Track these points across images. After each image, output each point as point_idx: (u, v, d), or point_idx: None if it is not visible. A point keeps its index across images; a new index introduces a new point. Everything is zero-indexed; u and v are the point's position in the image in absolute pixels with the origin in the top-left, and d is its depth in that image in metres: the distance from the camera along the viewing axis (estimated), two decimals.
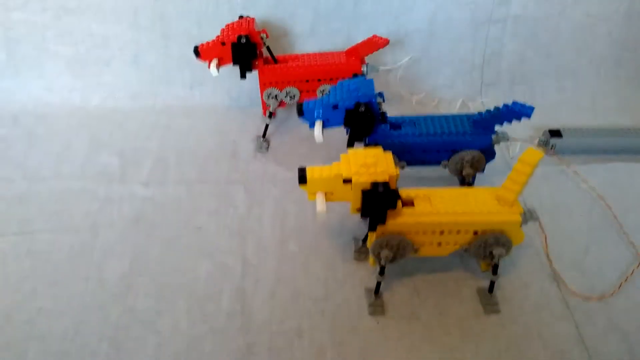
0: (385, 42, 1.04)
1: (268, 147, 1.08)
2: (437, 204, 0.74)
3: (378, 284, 0.79)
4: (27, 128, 1.14)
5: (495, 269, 0.77)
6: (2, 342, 0.75)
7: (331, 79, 1.04)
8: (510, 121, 0.86)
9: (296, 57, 1.06)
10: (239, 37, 0.98)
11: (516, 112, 0.84)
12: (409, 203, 0.75)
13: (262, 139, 1.08)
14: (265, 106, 1.07)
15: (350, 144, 0.88)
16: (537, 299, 0.80)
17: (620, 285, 0.81)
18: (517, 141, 0.97)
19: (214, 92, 1.20)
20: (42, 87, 1.19)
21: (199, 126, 1.14)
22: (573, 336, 0.75)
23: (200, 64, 1.08)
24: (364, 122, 0.85)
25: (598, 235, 0.90)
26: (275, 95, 1.05)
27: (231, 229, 0.92)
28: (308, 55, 1.07)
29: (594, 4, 1.14)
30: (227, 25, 1.01)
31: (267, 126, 1.08)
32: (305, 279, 0.83)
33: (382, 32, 1.15)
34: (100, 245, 0.89)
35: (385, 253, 0.75)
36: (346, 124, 0.86)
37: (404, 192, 0.76)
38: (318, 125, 0.86)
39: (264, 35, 1.01)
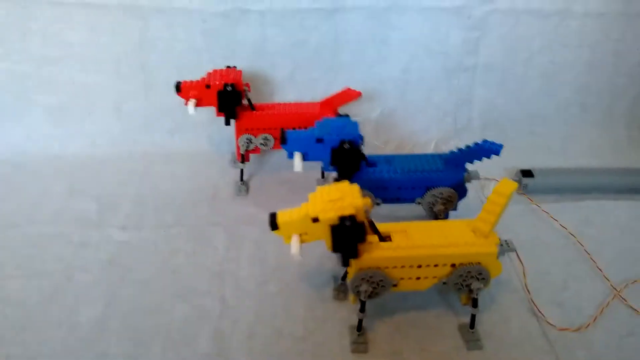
0: (358, 95, 1.10)
1: (248, 190, 1.09)
2: (413, 237, 0.74)
3: (360, 321, 0.77)
4: (3, 176, 1.13)
5: (475, 303, 0.77)
6: None
7: (305, 128, 1.06)
8: (480, 159, 0.88)
9: (272, 106, 1.09)
10: (226, 85, 1.00)
11: (486, 149, 0.86)
12: (387, 238, 0.75)
13: (240, 182, 1.09)
14: (239, 152, 1.09)
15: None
16: (518, 333, 0.80)
17: (596, 318, 0.81)
18: (490, 180, 1.00)
19: (194, 138, 1.22)
20: (21, 135, 1.19)
21: (178, 172, 1.15)
22: None
23: (180, 110, 1.10)
24: (350, 159, 0.86)
25: (574, 270, 0.91)
26: (250, 141, 1.07)
27: (210, 271, 0.90)
28: (284, 104, 1.10)
29: (558, 52, 1.20)
30: (215, 71, 1.04)
31: (242, 170, 1.10)
32: (285, 319, 0.82)
33: (358, 80, 1.20)
34: (73, 289, 0.86)
35: (364, 287, 0.74)
36: (333, 163, 0.88)
37: (381, 227, 0.76)
38: (298, 156, 0.87)
39: (247, 88, 1.04)
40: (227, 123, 1.06)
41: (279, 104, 1.11)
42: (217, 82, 1.01)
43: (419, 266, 0.74)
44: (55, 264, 0.91)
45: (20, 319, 0.81)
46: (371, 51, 1.18)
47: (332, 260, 0.91)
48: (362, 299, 0.75)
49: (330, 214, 0.68)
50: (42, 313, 0.82)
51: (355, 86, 1.15)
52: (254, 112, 1.06)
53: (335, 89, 1.13)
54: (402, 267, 0.74)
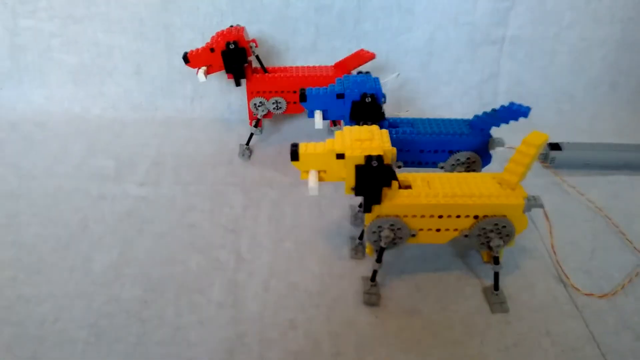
0: (372, 56, 1.05)
1: (250, 155, 1.08)
2: (436, 187, 0.72)
3: (375, 272, 0.75)
4: (24, 133, 1.13)
5: (496, 260, 0.74)
6: None
7: None
8: (507, 121, 0.85)
9: (285, 69, 1.07)
10: (227, 44, 0.98)
11: (513, 111, 0.83)
12: (407, 186, 0.73)
13: (245, 146, 1.08)
14: (251, 115, 1.07)
15: None
16: (543, 298, 0.76)
17: (624, 286, 0.78)
18: (514, 148, 0.97)
19: (214, 105, 1.21)
20: (43, 96, 1.20)
21: (197, 136, 1.14)
22: (583, 334, 0.71)
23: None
24: (371, 113, 0.84)
25: (602, 241, 0.87)
26: (262, 104, 1.05)
27: (225, 227, 0.89)
28: (297, 67, 1.08)
29: (588, 28, 1.17)
30: (217, 33, 1.02)
31: (251, 135, 1.08)
32: (301, 274, 0.80)
33: (381, 50, 1.18)
34: (88, 238, 0.86)
35: (386, 233, 0.71)
36: (352, 117, 0.85)
37: (401, 176, 0.74)
38: (318, 114, 0.85)
39: (253, 45, 1.02)
40: (238, 83, 1.03)
41: (292, 67, 1.08)
42: (220, 42, 0.98)
43: (440, 216, 0.71)
44: (71, 214, 0.90)
45: (34, 262, 0.81)
46: (395, 20, 1.16)
47: (349, 224, 0.89)
48: (382, 245, 0.72)
49: (357, 152, 0.66)
50: (56, 258, 0.82)
51: (378, 56, 1.13)
52: (265, 74, 1.04)
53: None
54: (422, 216, 0.71)
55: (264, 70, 1.05)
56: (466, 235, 0.73)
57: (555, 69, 1.21)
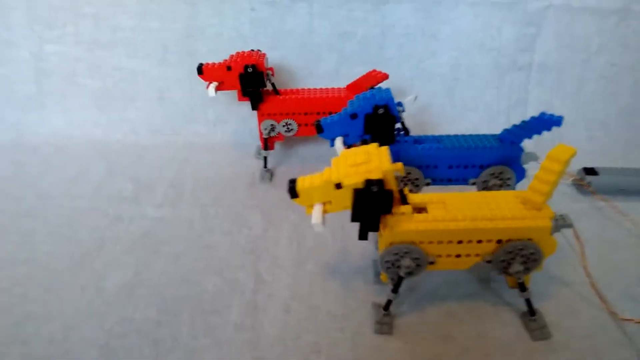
0: (384, 77, 1.02)
1: (272, 178, 1.05)
2: (453, 209, 0.66)
3: (389, 302, 0.69)
4: (45, 157, 1.12)
5: (522, 287, 0.68)
6: None
7: (330, 112, 1.02)
8: (540, 132, 0.81)
9: (297, 91, 1.05)
10: (246, 67, 0.97)
11: (545, 120, 0.78)
12: (422, 209, 0.67)
13: (264, 169, 1.05)
14: (262, 138, 1.05)
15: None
16: (588, 324, 0.70)
17: None
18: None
19: (236, 130, 1.20)
20: (65, 120, 1.20)
21: (218, 160, 1.12)
22: None
23: (225, 101, 1.09)
24: (384, 125, 0.81)
25: None
26: (273, 127, 1.03)
27: (244, 248, 0.85)
28: (309, 90, 1.06)
29: (618, 53, 1.14)
30: (237, 53, 1.01)
31: (265, 158, 1.06)
32: (323, 297, 0.75)
33: (405, 77, 1.17)
34: (103, 257, 0.82)
35: (406, 262, 0.66)
36: (366, 131, 0.82)
37: (415, 197, 0.68)
38: (339, 141, 0.82)
39: (270, 72, 1.01)
40: (255, 107, 1.01)
41: (304, 89, 1.06)
42: (239, 63, 0.97)
43: (460, 242, 0.65)
44: (87, 233, 0.88)
45: (46, 280, 0.77)
46: (419, 46, 1.15)
47: (374, 245, 0.84)
48: (401, 274, 0.66)
49: (355, 179, 0.60)
50: (68, 277, 0.78)
51: (401, 83, 1.12)
52: (276, 96, 1.02)
53: (381, 84, 1.10)
54: (440, 242, 0.65)
55: (276, 92, 1.03)
56: (489, 261, 0.67)
57: (585, 95, 1.18)
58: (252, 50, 1.04)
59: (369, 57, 1.16)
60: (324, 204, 0.63)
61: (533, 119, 0.80)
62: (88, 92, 1.19)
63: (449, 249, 0.66)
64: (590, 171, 1.01)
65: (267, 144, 1.05)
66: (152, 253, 0.83)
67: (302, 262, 0.82)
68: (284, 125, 1.03)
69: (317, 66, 1.16)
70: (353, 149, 0.65)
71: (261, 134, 1.05)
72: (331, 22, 1.13)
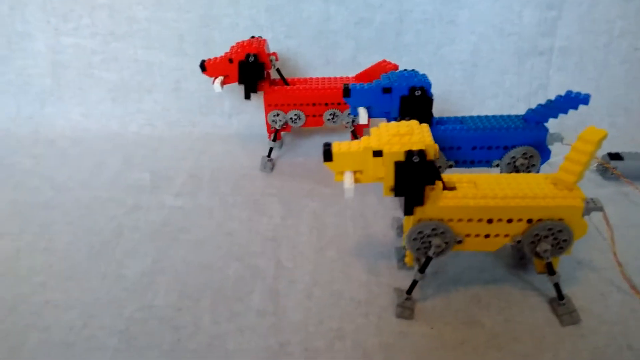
0: (394, 68, 1.00)
1: (273, 168, 1.04)
2: (483, 188, 0.65)
3: (414, 283, 0.68)
4: (61, 149, 1.12)
5: (550, 270, 0.66)
6: (1, 332, 0.66)
7: (339, 104, 1.00)
8: (565, 111, 0.79)
9: (305, 81, 1.03)
10: (247, 56, 0.95)
11: (572, 99, 0.77)
12: (451, 187, 0.66)
13: (266, 158, 1.04)
14: (269, 129, 1.03)
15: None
16: (618, 309, 0.68)
17: None
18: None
19: (251, 121, 1.18)
20: (81, 113, 1.20)
21: (235, 150, 1.11)
22: None
23: (240, 92, 1.07)
24: (421, 108, 0.79)
25: None
26: (280, 117, 1.01)
27: (264, 235, 0.84)
28: (317, 79, 1.04)
29: None
30: (237, 43, 0.99)
31: (271, 149, 1.04)
32: (346, 283, 0.73)
33: (424, 63, 1.15)
34: (122, 245, 0.82)
35: (437, 241, 0.65)
36: (402, 113, 0.81)
37: (445, 176, 0.67)
38: (363, 111, 0.81)
39: (273, 58, 0.99)
40: (247, 96, 0.99)
41: (313, 79, 1.04)
42: (240, 54, 0.95)
43: (489, 221, 0.64)
44: (105, 223, 0.87)
45: (66, 269, 0.77)
46: (437, 32, 1.13)
47: (395, 231, 0.83)
48: (430, 254, 0.65)
49: (396, 148, 0.59)
50: (87, 265, 0.78)
51: (420, 70, 1.09)
52: (283, 86, 1.00)
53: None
54: (470, 220, 0.64)
55: (285, 82, 1.01)
56: (518, 242, 0.65)
57: (608, 80, 1.15)
58: (253, 37, 1.03)
59: (386, 44, 1.14)
60: (355, 172, 0.63)
61: (559, 97, 0.78)
62: (104, 85, 1.18)
63: (478, 228, 0.65)
64: (615, 156, 0.99)
65: (276, 135, 1.03)
66: (172, 241, 0.83)
67: (323, 249, 0.80)
68: (292, 117, 1.02)
69: (334, 54, 1.15)
70: (394, 122, 0.65)
71: (268, 124, 1.03)
72: (348, 9, 1.11)
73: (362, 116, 0.84)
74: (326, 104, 1.01)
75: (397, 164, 0.60)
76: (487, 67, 1.15)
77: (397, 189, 0.61)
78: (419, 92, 0.79)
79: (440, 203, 0.63)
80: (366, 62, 1.14)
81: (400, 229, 0.83)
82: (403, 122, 0.64)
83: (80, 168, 1.05)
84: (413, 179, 0.60)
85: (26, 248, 0.81)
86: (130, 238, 0.83)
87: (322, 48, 1.15)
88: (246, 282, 0.74)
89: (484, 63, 1.15)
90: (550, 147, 0.82)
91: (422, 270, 0.67)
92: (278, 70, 1.01)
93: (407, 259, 0.72)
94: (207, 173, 1.02)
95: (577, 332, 0.65)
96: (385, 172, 0.61)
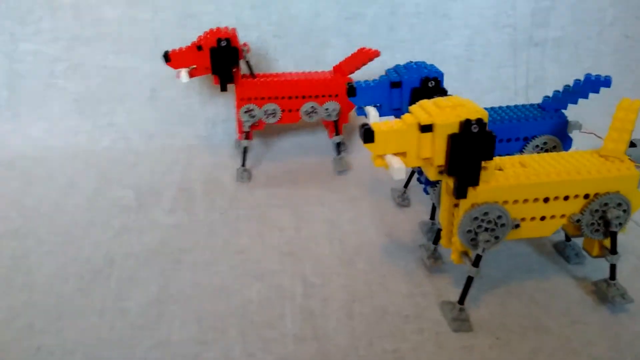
0: (375, 53, 0.93)
1: (250, 177, 0.93)
2: (533, 167, 0.60)
3: (468, 283, 0.60)
4: (24, 171, 0.97)
5: (613, 247, 0.61)
6: None
7: (317, 97, 0.93)
8: (586, 95, 0.76)
9: (277, 75, 0.95)
10: (219, 40, 0.86)
11: (593, 82, 0.75)
12: (498, 169, 0.60)
13: (241, 167, 0.93)
14: (241, 127, 0.94)
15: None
16: None
17: None
18: (589, 133, 0.88)
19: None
20: (43, 129, 1.05)
21: (225, 161, 1.00)
22: None
23: (223, 97, 0.99)
24: None
25: None
26: (253, 113, 0.92)
27: (281, 250, 0.74)
28: (289, 73, 0.96)
29: (631, 24, 1.11)
30: (205, 32, 0.89)
31: (245, 150, 0.94)
32: (386, 296, 0.65)
33: (418, 59, 1.08)
34: (117, 274, 0.70)
35: (484, 237, 0.58)
36: None
37: None
38: (373, 110, 0.74)
39: (245, 49, 0.90)
40: (224, 88, 0.90)
41: (285, 73, 0.96)
42: (209, 38, 0.86)
43: (546, 200, 0.60)
44: (92, 249, 0.75)
45: (54, 306, 0.64)
46: (431, 26, 1.08)
47: (422, 231, 0.76)
48: (482, 248, 0.58)
49: (452, 118, 0.53)
50: (79, 300, 0.65)
51: None
52: (257, 78, 0.92)
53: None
54: (525, 201, 0.59)
55: (253, 76, 0.93)
56: (578, 220, 0.61)
57: (602, 69, 1.13)
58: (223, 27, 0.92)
59: (379, 40, 1.08)
60: (397, 155, 0.55)
61: (578, 81, 0.76)
62: (69, 96, 1.05)
63: (534, 210, 0.60)
64: (630, 144, 0.96)
65: (248, 134, 0.93)
66: (175, 263, 0.72)
67: (351, 261, 0.72)
68: (267, 112, 0.93)
69: (324, 53, 1.07)
70: (437, 98, 0.57)
71: (240, 121, 0.94)
72: (339, 3, 1.04)
73: (373, 116, 0.76)
74: (303, 97, 0.93)
75: (452, 137, 0.53)
76: (483, 61, 1.11)
77: (451, 167, 0.54)
78: (433, 83, 0.73)
79: (495, 183, 0.58)
80: None
81: (430, 232, 0.75)
82: (443, 97, 0.57)
83: (49, 190, 0.91)
84: (470, 153, 0.53)
85: (0, 286, 0.68)
86: (124, 265, 0.72)
87: (311, 47, 1.07)
88: (273, 305, 0.64)
89: (479, 57, 1.11)
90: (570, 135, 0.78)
91: (476, 263, 0.60)
92: (247, 63, 0.91)
93: (454, 256, 0.64)
94: (198, 186, 0.91)
95: None
96: (434, 149, 0.54)
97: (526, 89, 1.12)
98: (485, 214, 0.58)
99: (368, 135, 0.54)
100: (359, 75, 0.92)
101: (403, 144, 0.55)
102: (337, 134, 0.97)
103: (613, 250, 0.62)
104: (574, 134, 0.79)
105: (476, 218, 0.58)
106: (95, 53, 1.03)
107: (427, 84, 0.73)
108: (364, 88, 0.76)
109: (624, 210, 0.61)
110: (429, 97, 0.73)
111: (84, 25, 1.01)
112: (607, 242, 0.63)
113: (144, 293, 0.66)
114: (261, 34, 1.04)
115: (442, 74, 0.75)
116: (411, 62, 0.81)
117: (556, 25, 1.10)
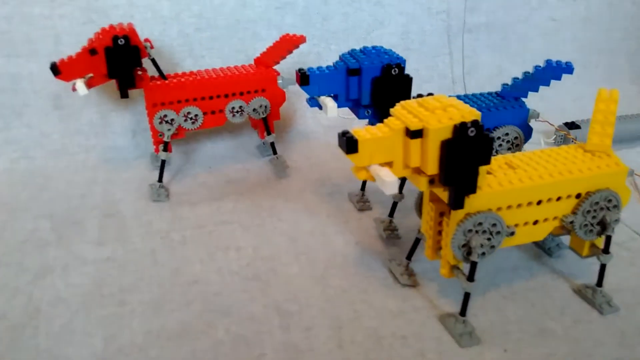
0: (301, 39, 0.84)
1: (168, 195, 0.81)
2: (523, 169, 0.56)
3: (466, 298, 0.55)
4: None
5: (607, 246, 0.59)
6: None
7: (241, 94, 0.84)
8: (548, 83, 0.74)
9: (191, 74, 0.84)
10: (115, 38, 0.74)
11: (554, 68, 0.73)
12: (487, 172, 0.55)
13: (157, 183, 0.81)
14: (156, 137, 0.82)
15: None
16: None
17: None
18: (543, 121, 0.87)
19: None
20: None
21: (152, 176, 0.86)
22: None
23: (141, 104, 0.86)
24: (399, 90, 0.67)
25: None
26: (171, 120, 0.81)
27: (243, 275, 0.64)
28: (206, 70, 0.85)
29: (557, 7, 1.13)
30: (96, 32, 0.77)
31: (163, 164, 0.82)
32: (375, 316, 0.58)
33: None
34: (45, 328, 0.56)
35: (479, 240, 0.53)
36: (374, 98, 0.68)
37: None
38: (330, 100, 0.67)
39: (148, 45, 0.78)
40: (124, 94, 0.78)
41: (200, 71, 0.84)
42: (103, 39, 0.74)
43: (539, 202, 0.56)
44: (8, 299, 0.60)
45: None
46: (365, 14, 1.03)
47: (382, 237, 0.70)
48: (475, 259, 0.53)
49: (445, 122, 0.46)
50: None
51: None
52: (169, 81, 0.80)
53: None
54: (519, 206, 0.55)
55: (163, 77, 0.81)
56: (571, 222, 0.57)
57: (531, 54, 1.14)
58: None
59: (312, 31, 1.01)
60: (383, 166, 0.49)
61: (538, 67, 0.73)
62: None
63: (527, 214, 0.56)
64: (572, 125, 0.97)
65: (167, 145, 0.81)
66: (117, 307, 0.59)
67: (324, 278, 0.64)
68: (186, 116, 0.82)
69: (254, 47, 0.98)
70: (413, 100, 0.50)
71: (155, 131, 0.82)
72: None
73: (331, 107, 0.68)
74: (226, 96, 0.83)
75: (447, 143, 0.47)
76: (419, 50, 1.07)
77: (447, 176, 0.48)
78: (396, 70, 0.66)
79: (487, 189, 0.53)
80: (293, 53, 0.99)
81: (389, 230, 0.70)
82: (426, 98, 0.51)
83: None
84: (467, 159, 0.48)
85: None
86: (53, 314, 0.58)
87: (239, 40, 0.97)
88: (249, 343, 0.54)
89: (416, 46, 1.07)
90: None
91: (471, 277, 0.54)
92: (153, 61, 0.78)
93: (444, 271, 0.58)
94: (126, 209, 0.78)
95: None
96: (425, 158, 0.48)
97: (463, 77, 1.10)
98: (479, 224, 0.53)
99: (351, 144, 0.46)
100: (283, 67, 0.86)
101: (388, 153, 0.48)
102: (269, 132, 0.87)
103: (606, 250, 0.59)
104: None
105: (470, 230, 0.53)
106: None
107: (390, 71, 0.67)
108: (318, 75, 0.68)
109: (615, 206, 0.58)
110: (393, 85, 0.67)
111: None
112: (598, 242, 0.60)
113: (84, 348, 0.54)
114: (182, 28, 0.92)
115: (404, 60, 0.69)
116: (367, 46, 0.74)
117: (488, 10, 1.09)
